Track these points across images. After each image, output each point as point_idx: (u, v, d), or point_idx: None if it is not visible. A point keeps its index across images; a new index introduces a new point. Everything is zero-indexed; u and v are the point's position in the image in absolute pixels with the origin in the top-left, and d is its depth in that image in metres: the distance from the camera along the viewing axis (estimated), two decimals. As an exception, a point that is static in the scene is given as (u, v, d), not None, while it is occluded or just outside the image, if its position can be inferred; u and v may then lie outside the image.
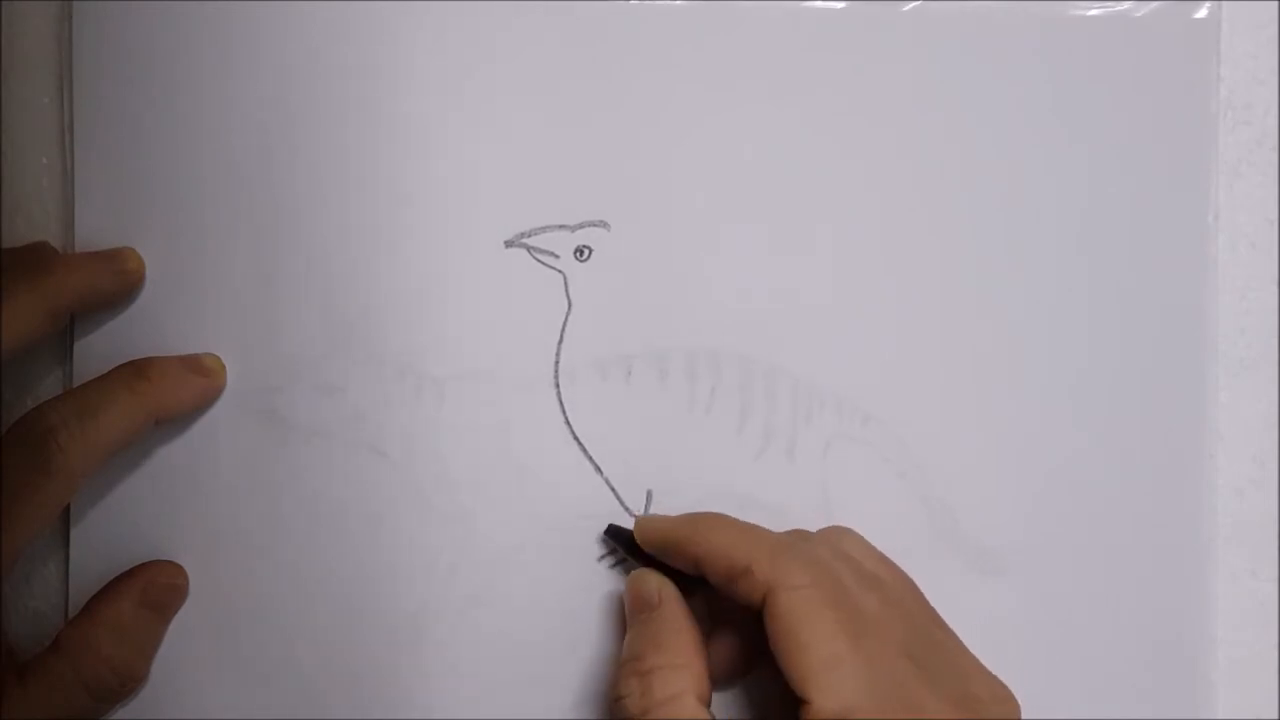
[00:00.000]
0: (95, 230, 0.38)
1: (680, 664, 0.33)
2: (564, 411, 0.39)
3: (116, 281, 0.37)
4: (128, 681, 0.37)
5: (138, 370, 0.36)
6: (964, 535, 0.39)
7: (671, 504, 0.39)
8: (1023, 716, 0.37)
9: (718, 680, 0.36)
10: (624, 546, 0.37)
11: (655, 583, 0.36)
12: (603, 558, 0.38)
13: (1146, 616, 0.39)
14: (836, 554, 0.35)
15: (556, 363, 0.39)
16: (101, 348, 0.38)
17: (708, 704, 0.33)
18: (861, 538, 0.37)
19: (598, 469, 0.39)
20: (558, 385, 0.39)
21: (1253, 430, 0.40)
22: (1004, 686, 0.34)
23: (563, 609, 0.38)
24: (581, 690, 0.38)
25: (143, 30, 0.38)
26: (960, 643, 0.35)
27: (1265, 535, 0.40)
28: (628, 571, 0.38)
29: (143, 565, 0.37)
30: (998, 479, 0.39)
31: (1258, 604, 0.40)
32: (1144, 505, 0.39)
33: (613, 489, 0.39)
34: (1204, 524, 0.39)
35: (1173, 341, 0.39)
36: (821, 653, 0.31)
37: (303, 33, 0.38)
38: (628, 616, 0.36)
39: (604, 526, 0.38)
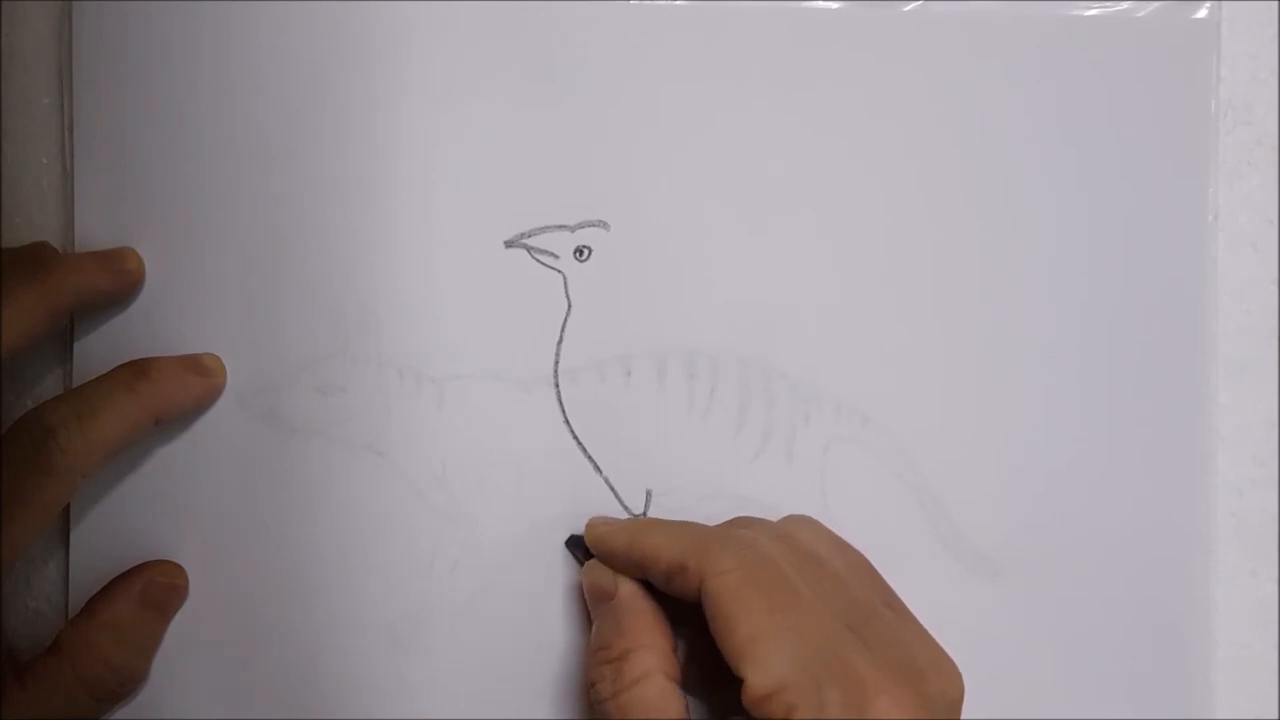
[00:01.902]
0: (95, 230, 0.38)
1: (645, 645, 0.34)
2: (564, 411, 0.39)
3: (116, 281, 0.37)
4: (127, 682, 0.37)
5: (138, 370, 0.36)
6: (963, 536, 0.39)
7: (671, 504, 0.39)
8: (1018, 718, 0.38)
9: (697, 688, 0.36)
10: (584, 554, 0.38)
11: (610, 572, 0.36)
12: (571, 538, 0.38)
13: (1146, 617, 0.39)
14: (776, 537, 0.35)
15: (556, 363, 0.39)
16: (101, 348, 0.38)
17: (677, 681, 0.33)
18: (815, 522, 0.37)
19: (597, 469, 0.39)
20: (557, 385, 0.39)
21: (1253, 430, 0.40)
22: (949, 659, 0.33)
23: (563, 608, 0.38)
24: (582, 689, 0.38)
25: (143, 30, 0.38)
26: (911, 619, 0.35)
27: (1265, 535, 0.40)
28: None
29: (143, 565, 0.37)
30: (997, 480, 0.39)
31: (1258, 604, 0.40)
32: (1144, 505, 0.39)
33: (612, 489, 0.39)
34: (1204, 524, 0.39)
35: (1173, 341, 0.39)
36: (749, 629, 0.31)
37: (302, 32, 0.38)
38: (590, 608, 0.36)
39: None
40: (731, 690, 0.31)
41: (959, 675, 0.33)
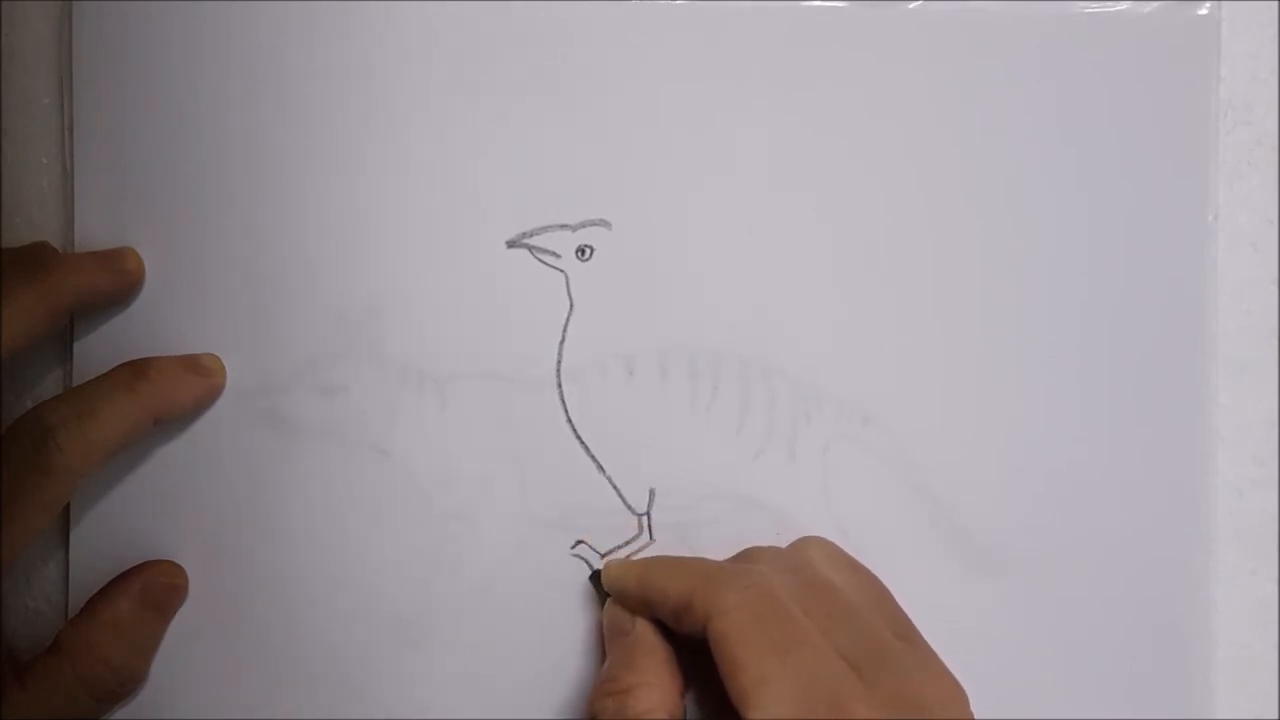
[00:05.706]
0: (95, 230, 0.38)
1: (651, 683, 0.34)
2: (566, 410, 0.39)
3: (116, 281, 0.37)
4: (127, 682, 0.37)
5: (137, 370, 0.36)
6: (963, 535, 0.39)
7: (673, 503, 0.39)
8: (1018, 717, 0.38)
9: None
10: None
11: (626, 611, 0.36)
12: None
13: (1147, 616, 0.39)
14: (785, 567, 0.35)
15: (558, 362, 0.39)
16: (101, 348, 0.38)
17: None
18: (829, 545, 0.37)
19: (600, 468, 0.39)
20: (560, 384, 0.39)
21: (1253, 430, 0.40)
22: (959, 691, 0.33)
23: (565, 608, 0.38)
24: (581, 691, 0.38)
25: (143, 30, 0.38)
26: (922, 648, 0.35)
27: (1265, 535, 0.40)
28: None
29: (143, 565, 0.37)
30: (997, 479, 0.39)
31: (1258, 604, 0.40)
32: (1144, 505, 0.39)
33: (615, 488, 0.39)
34: (1204, 524, 0.39)
35: (1173, 342, 0.39)
36: (753, 672, 0.31)
37: (302, 32, 0.38)
38: (606, 643, 0.37)
39: (607, 524, 0.38)
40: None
41: (968, 707, 0.33)
